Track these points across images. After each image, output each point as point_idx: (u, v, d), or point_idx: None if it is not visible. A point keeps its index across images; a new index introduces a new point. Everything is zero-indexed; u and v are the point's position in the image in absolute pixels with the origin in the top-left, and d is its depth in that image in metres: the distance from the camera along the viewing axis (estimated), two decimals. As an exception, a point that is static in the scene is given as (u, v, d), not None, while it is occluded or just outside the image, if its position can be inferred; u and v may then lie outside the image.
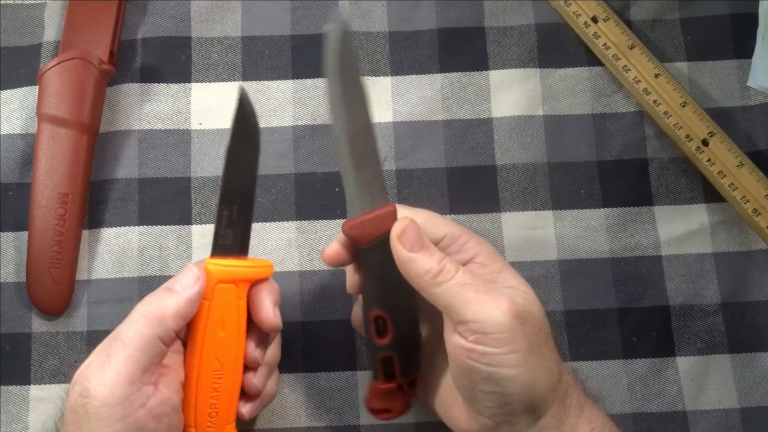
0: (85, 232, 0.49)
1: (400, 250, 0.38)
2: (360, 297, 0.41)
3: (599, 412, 0.40)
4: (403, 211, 0.40)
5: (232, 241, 0.39)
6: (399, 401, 0.41)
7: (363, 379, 0.47)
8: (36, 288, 0.47)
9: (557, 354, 0.39)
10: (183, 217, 0.49)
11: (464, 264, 0.39)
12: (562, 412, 0.38)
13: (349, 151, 0.38)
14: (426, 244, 0.38)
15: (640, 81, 0.50)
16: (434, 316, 0.40)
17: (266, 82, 0.51)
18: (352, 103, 0.38)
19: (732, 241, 0.49)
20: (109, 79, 0.50)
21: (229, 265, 0.39)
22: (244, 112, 0.38)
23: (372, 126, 0.39)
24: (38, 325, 0.48)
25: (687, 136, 0.49)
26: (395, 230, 0.38)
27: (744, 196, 0.48)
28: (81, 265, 0.48)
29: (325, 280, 0.48)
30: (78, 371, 0.37)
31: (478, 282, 0.37)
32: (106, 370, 0.36)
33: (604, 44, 0.51)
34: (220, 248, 0.39)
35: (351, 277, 0.41)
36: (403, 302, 0.40)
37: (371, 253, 0.39)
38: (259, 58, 0.51)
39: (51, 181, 0.47)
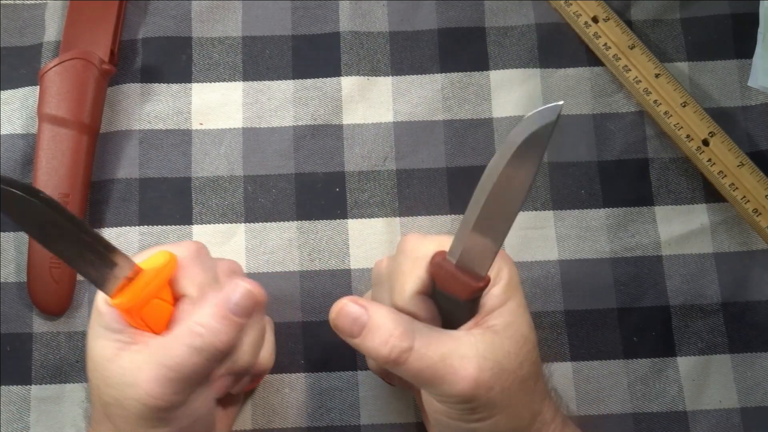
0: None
1: (343, 336, 0.36)
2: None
3: None
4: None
5: (114, 270, 0.35)
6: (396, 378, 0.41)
7: (363, 378, 0.47)
8: (37, 288, 0.47)
9: (538, 393, 0.38)
10: (183, 217, 0.49)
11: None
12: None
13: (483, 204, 0.35)
14: (365, 326, 0.35)
15: (640, 81, 0.50)
16: None
17: (267, 82, 0.51)
18: (519, 175, 0.33)
19: (732, 241, 0.49)
20: (110, 79, 0.50)
21: (136, 295, 0.36)
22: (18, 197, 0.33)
23: (516, 209, 0.35)
24: (39, 325, 0.48)
25: (687, 136, 0.49)
26: (331, 315, 0.36)
27: (744, 196, 0.48)
28: (82, 265, 0.48)
29: (325, 280, 0.48)
30: (106, 368, 0.36)
31: (436, 359, 0.34)
32: (166, 389, 0.35)
33: (605, 44, 0.51)
34: (112, 283, 0.36)
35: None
36: None
37: (441, 298, 0.37)
38: (259, 58, 0.52)
39: (51, 181, 0.47)
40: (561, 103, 0.31)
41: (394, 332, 0.35)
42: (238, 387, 0.42)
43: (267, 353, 0.41)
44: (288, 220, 0.49)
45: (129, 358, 0.36)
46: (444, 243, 0.37)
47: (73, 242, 0.34)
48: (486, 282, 0.36)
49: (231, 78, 0.51)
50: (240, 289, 0.36)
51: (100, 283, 0.35)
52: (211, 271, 0.39)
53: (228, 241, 0.49)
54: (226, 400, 0.43)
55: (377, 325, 0.35)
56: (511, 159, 0.32)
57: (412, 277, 0.37)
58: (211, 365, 0.36)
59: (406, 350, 0.34)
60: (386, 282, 0.39)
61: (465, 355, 0.35)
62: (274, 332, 0.43)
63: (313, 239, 0.49)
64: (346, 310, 0.36)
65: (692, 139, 0.49)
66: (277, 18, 0.52)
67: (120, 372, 0.36)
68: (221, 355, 0.36)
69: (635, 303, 0.48)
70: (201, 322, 0.36)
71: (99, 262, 0.35)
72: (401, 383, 0.42)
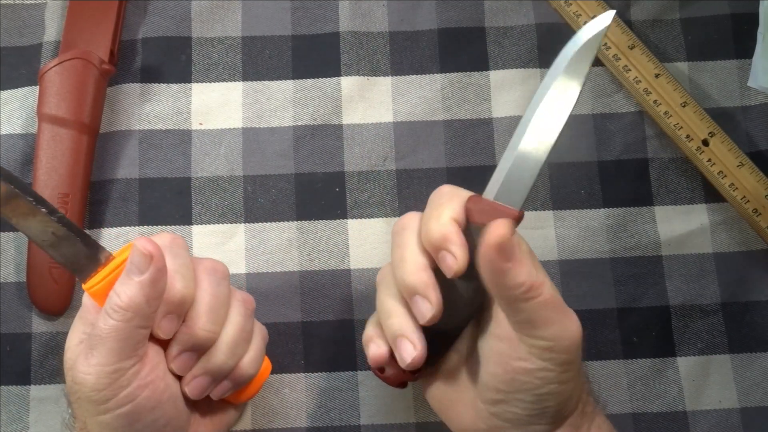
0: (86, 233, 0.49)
1: (494, 258, 0.34)
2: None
3: (606, 420, 0.40)
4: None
5: (88, 253, 0.38)
6: (394, 370, 0.40)
7: (363, 378, 0.47)
8: (36, 288, 0.47)
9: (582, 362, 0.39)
10: (183, 217, 0.49)
11: None
12: (579, 419, 0.38)
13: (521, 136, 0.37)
14: (518, 253, 0.34)
15: (640, 81, 0.50)
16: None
17: (266, 82, 0.51)
18: (567, 92, 0.37)
19: (732, 241, 0.49)
20: (110, 79, 0.50)
21: (102, 279, 0.38)
22: None
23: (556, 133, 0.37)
24: (38, 325, 0.48)
25: (687, 136, 0.49)
26: (493, 235, 0.34)
27: (744, 196, 0.48)
28: (81, 265, 0.48)
29: (324, 280, 0.48)
30: (66, 356, 0.38)
31: (558, 297, 0.35)
32: (90, 360, 0.36)
33: (605, 44, 0.51)
34: (85, 269, 0.38)
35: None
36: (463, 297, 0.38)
37: (473, 236, 0.37)
38: (259, 58, 0.52)
39: (51, 181, 0.47)
40: (614, 12, 0.35)
41: (535, 265, 0.35)
42: (218, 392, 0.40)
43: (250, 359, 0.40)
44: (288, 220, 0.49)
45: (72, 344, 0.38)
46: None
47: (50, 231, 0.38)
48: (521, 215, 0.37)
49: (230, 78, 0.51)
50: (133, 249, 0.37)
51: (76, 269, 0.38)
52: (182, 259, 0.39)
53: (228, 242, 0.49)
54: (210, 408, 0.42)
55: (520, 257, 0.35)
56: (564, 73, 0.35)
57: (449, 206, 0.37)
58: (126, 328, 0.36)
59: (543, 283, 0.35)
60: (415, 226, 0.39)
61: (566, 306, 0.36)
62: (264, 342, 0.42)
63: (313, 239, 0.49)
64: (510, 235, 0.35)
65: (692, 139, 0.49)
66: (276, 18, 0.52)
67: (67, 358, 0.38)
68: (131, 315, 0.36)
69: (635, 303, 0.48)
70: (114, 287, 0.37)
71: (76, 250, 0.38)
72: (396, 378, 0.41)
